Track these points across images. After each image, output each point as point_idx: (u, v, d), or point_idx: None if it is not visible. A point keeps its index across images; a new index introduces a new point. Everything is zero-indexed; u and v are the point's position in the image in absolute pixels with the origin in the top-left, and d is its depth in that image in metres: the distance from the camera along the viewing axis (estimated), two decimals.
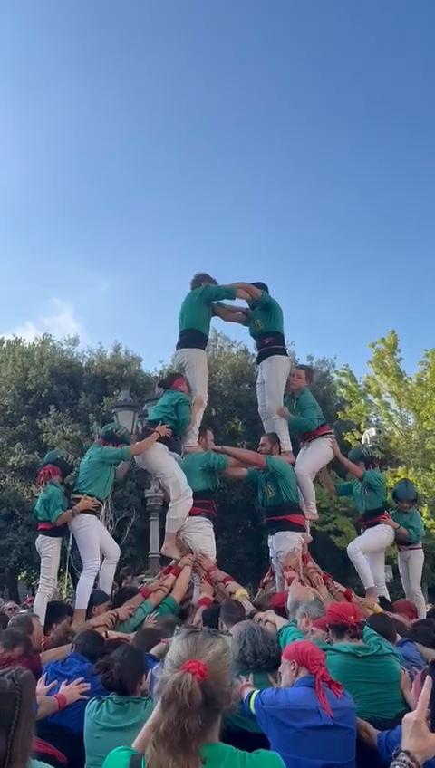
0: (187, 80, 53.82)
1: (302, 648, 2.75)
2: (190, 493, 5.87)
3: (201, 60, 54.04)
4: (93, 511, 5.69)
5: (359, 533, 7.94)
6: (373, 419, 19.35)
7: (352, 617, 3.29)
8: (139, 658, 2.98)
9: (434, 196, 50.80)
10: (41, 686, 3.33)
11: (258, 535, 18.04)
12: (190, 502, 5.86)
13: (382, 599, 6.23)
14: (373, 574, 6.64)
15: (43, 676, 3.45)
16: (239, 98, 54.26)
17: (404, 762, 1.46)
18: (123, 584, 7.88)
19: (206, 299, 6.48)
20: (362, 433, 17.93)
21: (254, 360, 20.60)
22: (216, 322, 7.07)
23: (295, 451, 6.67)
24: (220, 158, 54.78)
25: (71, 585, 17.85)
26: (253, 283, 6.66)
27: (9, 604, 12.41)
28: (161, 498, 9.33)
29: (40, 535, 5.76)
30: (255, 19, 50.26)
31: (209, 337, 7.15)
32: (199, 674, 1.39)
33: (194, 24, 51.86)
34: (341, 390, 20.27)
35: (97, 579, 5.71)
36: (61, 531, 5.74)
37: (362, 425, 18.53)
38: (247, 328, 7.01)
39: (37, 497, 6.05)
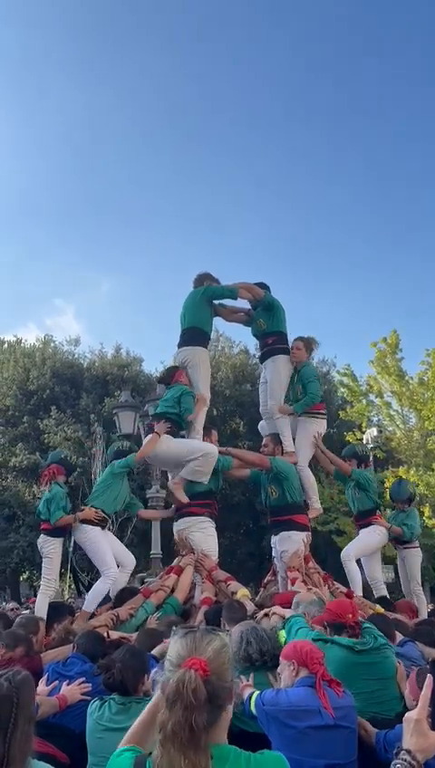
0: (181, 80, 53.89)
1: (301, 648, 2.74)
2: (211, 449, 5.88)
3: (195, 60, 54.17)
4: (97, 523, 5.66)
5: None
6: (375, 419, 19.33)
7: (351, 615, 3.29)
8: (140, 658, 2.97)
9: (434, 195, 50.77)
10: (42, 687, 3.34)
11: (260, 535, 18.02)
12: (213, 460, 5.86)
13: (384, 598, 6.22)
14: (371, 574, 6.64)
15: (45, 677, 3.45)
16: (234, 98, 54.34)
17: (405, 760, 1.46)
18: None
19: (208, 298, 6.46)
20: (363, 433, 17.92)
21: (255, 360, 20.73)
22: (218, 323, 7.06)
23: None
24: (215, 157, 54.86)
25: (73, 586, 17.90)
26: (255, 283, 6.65)
27: (11, 605, 12.44)
28: (163, 498, 9.33)
29: (42, 535, 5.74)
30: (248, 19, 50.28)
31: (211, 337, 7.13)
32: (202, 670, 1.40)
33: (188, 24, 51.97)
34: (342, 390, 20.26)
35: None
36: (63, 531, 5.72)
37: (364, 424, 18.51)
38: (249, 328, 7.00)
39: (39, 498, 6.04)
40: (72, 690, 3.26)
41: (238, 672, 2.94)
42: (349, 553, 6.44)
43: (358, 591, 6.16)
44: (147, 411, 9.98)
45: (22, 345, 23.91)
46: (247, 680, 2.99)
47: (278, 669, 2.87)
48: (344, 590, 5.82)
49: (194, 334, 6.43)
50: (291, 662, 2.73)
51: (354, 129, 51.58)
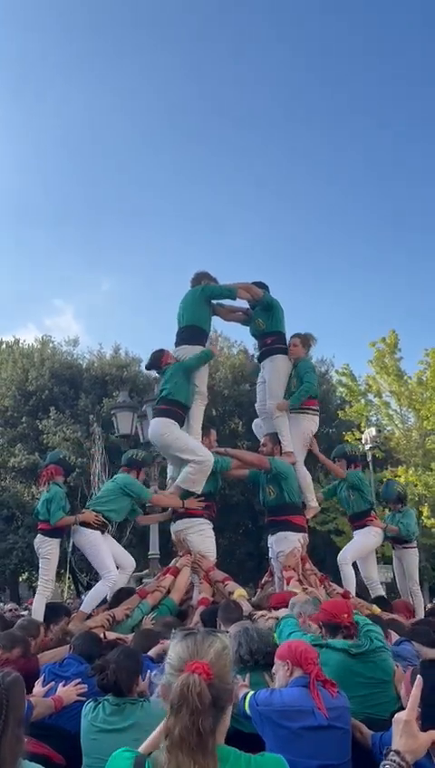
0: (181, 80, 53.89)
1: (295, 648, 2.74)
2: (206, 458, 5.88)
3: (196, 60, 54.14)
4: (97, 527, 5.64)
5: None
6: (374, 419, 19.35)
7: (346, 615, 3.27)
8: (134, 659, 2.97)
9: (434, 195, 50.77)
10: (38, 688, 3.34)
11: (259, 535, 18.02)
12: (207, 470, 5.87)
13: (381, 598, 6.21)
14: (366, 574, 6.64)
15: (41, 678, 3.45)
16: (234, 98, 54.32)
17: (394, 761, 1.46)
18: None
19: (206, 297, 6.44)
20: (362, 432, 17.93)
21: (254, 360, 20.70)
22: (216, 323, 7.04)
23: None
24: (215, 157, 54.85)
25: (72, 587, 17.87)
26: (253, 283, 6.64)
27: (9, 606, 12.44)
28: None
29: (39, 536, 5.70)
30: (248, 19, 50.33)
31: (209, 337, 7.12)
32: (205, 674, 1.40)
33: (188, 24, 51.96)
34: (341, 390, 20.28)
35: None
36: (60, 532, 5.68)
37: (363, 424, 18.53)
38: (247, 328, 6.99)
39: (38, 499, 6.01)
40: (67, 691, 3.26)
41: (234, 672, 2.94)
42: (345, 557, 6.43)
43: (352, 592, 6.16)
44: (145, 412, 9.97)
45: (21, 346, 23.92)
46: (244, 680, 2.99)
47: (273, 669, 2.87)
48: (341, 590, 5.82)
49: (192, 332, 6.40)
50: (285, 662, 2.72)
51: (354, 129, 51.67)
